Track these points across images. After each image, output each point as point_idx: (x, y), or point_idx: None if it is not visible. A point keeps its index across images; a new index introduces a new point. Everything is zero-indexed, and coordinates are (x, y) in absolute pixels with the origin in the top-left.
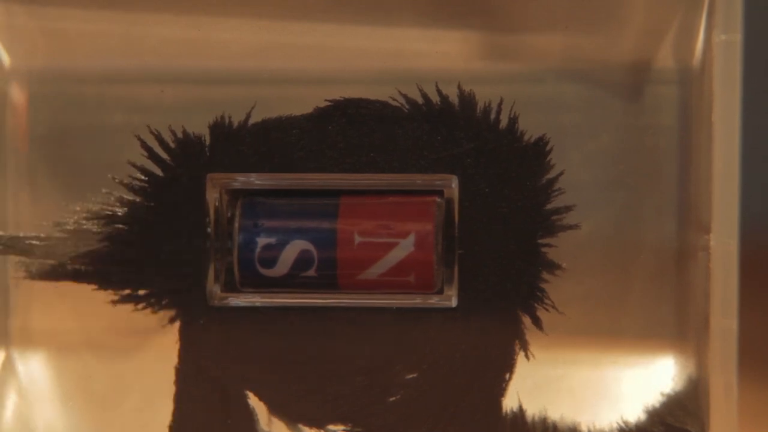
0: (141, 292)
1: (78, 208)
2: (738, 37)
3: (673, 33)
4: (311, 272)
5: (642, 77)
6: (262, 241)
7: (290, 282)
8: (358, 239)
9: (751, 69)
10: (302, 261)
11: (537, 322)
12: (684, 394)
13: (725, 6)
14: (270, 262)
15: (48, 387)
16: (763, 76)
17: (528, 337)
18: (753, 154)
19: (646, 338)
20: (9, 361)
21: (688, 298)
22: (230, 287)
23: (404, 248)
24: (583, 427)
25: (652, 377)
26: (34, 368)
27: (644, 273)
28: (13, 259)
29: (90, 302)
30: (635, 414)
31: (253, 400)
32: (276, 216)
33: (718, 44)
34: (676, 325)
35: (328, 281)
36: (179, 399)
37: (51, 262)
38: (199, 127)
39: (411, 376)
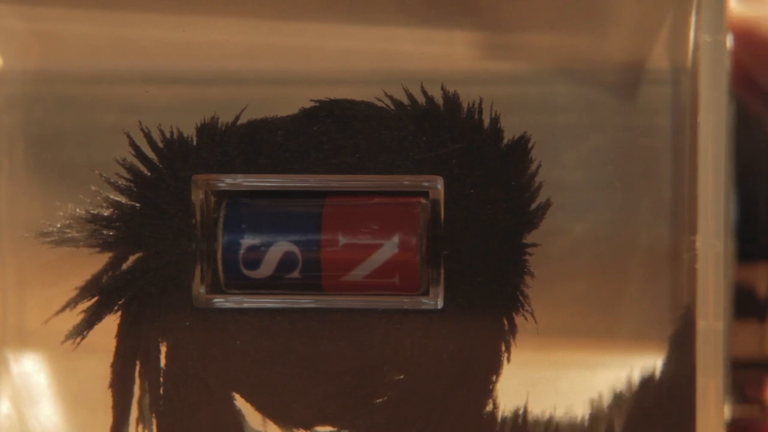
0: (127, 293)
1: (62, 213)
2: (724, 38)
3: (665, 33)
4: (295, 274)
5: (635, 77)
6: (246, 242)
7: (275, 284)
8: (342, 241)
9: None
10: (286, 263)
11: (523, 323)
12: (673, 395)
13: (711, 7)
14: (254, 264)
15: (42, 387)
16: None
17: (514, 338)
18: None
19: (638, 339)
20: (3, 362)
21: (681, 300)
22: (216, 289)
23: (388, 250)
24: (572, 428)
25: (643, 379)
26: (28, 369)
27: (637, 274)
28: (9, 260)
29: (82, 302)
30: (625, 415)
31: (240, 402)
32: (260, 217)
33: (704, 45)
34: (668, 327)
35: (312, 283)
36: (166, 400)
37: None
38: (187, 127)
39: (398, 377)
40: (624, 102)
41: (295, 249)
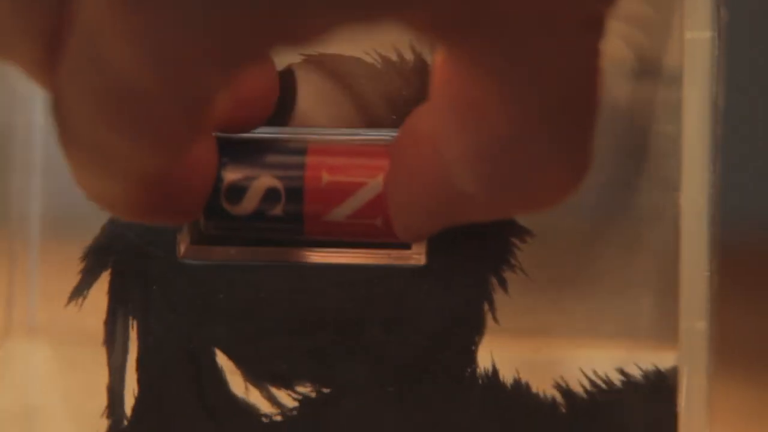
0: (117, 249)
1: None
2: (707, 35)
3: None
4: (278, 211)
5: (638, 77)
6: (228, 176)
7: (256, 223)
8: (326, 178)
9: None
10: (269, 197)
11: (505, 283)
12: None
13: (693, 4)
14: (236, 198)
15: (46, 380)
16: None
17: (498, 298)
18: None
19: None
20: (10, 355)
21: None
22: (201, 240)
23: (373, 189)
24: (555, 389)
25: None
26: (33, 360)
27: (640, 273)
28: (15, 252)
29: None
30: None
31: (221, 358)
32: (243, 152)
33: (687, 42)
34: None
35: (293, 221)
36: (151, 355)
37: None
38: None
39: (379, 333)
40: (627, 101)
41: (278, 183)
